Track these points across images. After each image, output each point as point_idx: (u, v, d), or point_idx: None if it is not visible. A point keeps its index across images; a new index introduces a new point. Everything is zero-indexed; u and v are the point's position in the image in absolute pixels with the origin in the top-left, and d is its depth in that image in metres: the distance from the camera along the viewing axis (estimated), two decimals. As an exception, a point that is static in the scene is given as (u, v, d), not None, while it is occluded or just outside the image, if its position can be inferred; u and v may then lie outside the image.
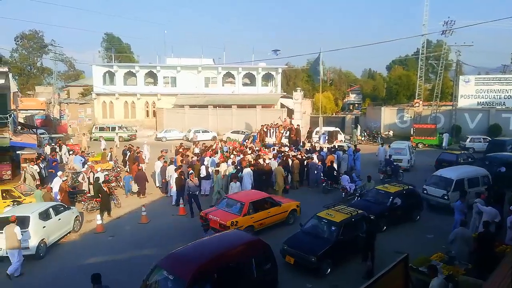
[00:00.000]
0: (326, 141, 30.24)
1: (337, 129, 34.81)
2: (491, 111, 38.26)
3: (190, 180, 15.62)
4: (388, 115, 42.54)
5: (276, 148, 24.30)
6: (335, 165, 20.24)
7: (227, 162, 18.97)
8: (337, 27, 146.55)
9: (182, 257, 7.81)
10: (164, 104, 45.07)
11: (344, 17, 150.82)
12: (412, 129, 35.32)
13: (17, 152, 20.09)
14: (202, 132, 36.99)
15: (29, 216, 11.44)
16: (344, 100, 71.80)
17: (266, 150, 23.92)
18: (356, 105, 69.78)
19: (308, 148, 24.88)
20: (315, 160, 19.97)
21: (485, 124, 37.81)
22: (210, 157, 20.50)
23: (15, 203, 14.01)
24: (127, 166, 21.68)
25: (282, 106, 45.02)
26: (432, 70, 55.92)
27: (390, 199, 13.75)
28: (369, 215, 12.20)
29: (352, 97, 70.98)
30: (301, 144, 26.68)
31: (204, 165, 18.66)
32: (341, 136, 33.05)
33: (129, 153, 22.74)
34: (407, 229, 13.60)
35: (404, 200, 13.89)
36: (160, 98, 46.11)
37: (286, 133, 28.08)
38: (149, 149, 25.60)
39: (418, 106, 39.63)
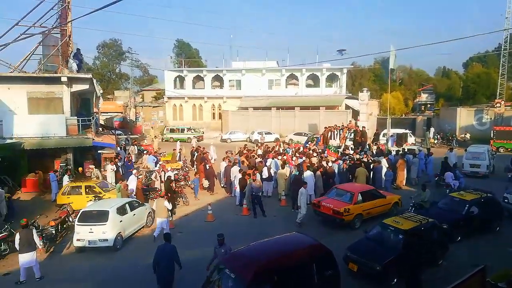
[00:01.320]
0: (395, 144, 28.81)
1: (407, 131, 32.99)
2: None
3: (253, 180, 15.91)
4: (464, 117, 39.26)
5: (340, 150, 23.75)
6: (404, 171, 19.26)
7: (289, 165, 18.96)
8: (408, 22, 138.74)
9: (244, 256, 7.90)
10: (229, 106, 46.39)
11: (416, 11, 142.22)
12: (492, 131, 32.18)
13: (99, 151, 22.05)
14: (265, 134, 37.38)
15: (108, 211, 12.50)
16: (415, 101, 67.84)
17: (331, 152, 23.48)
18: (429, 105, 65.47)
19: (374, 152, 23.95)
20: (384, 164, 19.09)
21: None
22: (273, 159, 20.66)
23: (96, 198, 15.45)
24: (195, 166, 22.69)
25: (347, 107, 43.83)
26: (516, 67, 50.53)
27: (466, 208, 12.71)
28: (441, 223, 11.45)
29: (424, 97, 66.75)
30: (367, 147, 25.73)
31: (266, 166, 18.88)
32: (411, 139, 31.26)
33: (196, 153, 23.82)
34: (485, 240, 12.47)
35: (482, 209, 12.77)
36: (225, 100, 47.55)
37: (350, 135, 27.25)
38: (215, 150, 26.53)
39: (500, 106, 36.03)
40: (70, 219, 14.02)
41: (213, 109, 48.85)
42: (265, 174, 18.06)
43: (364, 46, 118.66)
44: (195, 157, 23.74)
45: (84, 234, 12.10)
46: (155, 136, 36.66)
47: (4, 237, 11.96)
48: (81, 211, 12.85)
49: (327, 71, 47.62)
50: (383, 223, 10.99)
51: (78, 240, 12.17)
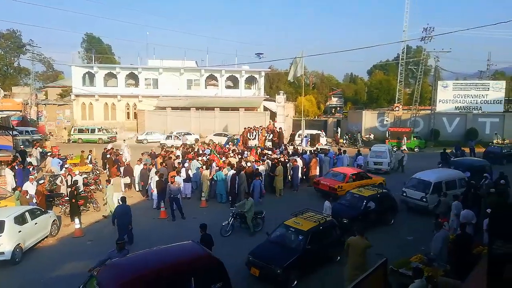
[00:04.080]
0: (308, 144, 30.45)
1: (320, 132, 35.12)
2: (468, 115, 39.39)
3: (171, 183, 15.45)
4: (369, 119, 43.24)
5: (259, 150, 24.31)
6: (317, 168, 20.48)
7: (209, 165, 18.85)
8: (320, 31, 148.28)
9: (117, 268, 7.42)
10: (145, 106, 44.50)
11: (328, 22, 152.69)
12: (387, 132, 36.09)
13: (-8, 154, 19.40)
14: (184, 134, 36.64)
15: (4, 221, 11.06)
16: (326, 104, 72.58)
17: (252, 152, 23.89)
18: (338, 108, 70.62)
19: (290, 151, 25.01)
20: (299, 163, 20.07)
21: (463, 128, 38.89)
22: (193, 159, 20.33)
23: (-11, 207, 13.51)
24: (107, 169, 21.23)
25: (265, 109, 45.13)
26: (411, 75, 57.19)
27: (364, 203, 13.80)
28: (342, 218, 12.19)
29: (334, 101, 71.77)
30: (283, 147, 26.78)
31: (184, 167, 18.51)
32: (323, 139, 33.32)
33: (108, 155, 22.30)
34: (386, 232, 13.76)
35: (378, 204, 13.98)
36: (141, 100, 45.51)
37: (269, 136, 28.11)
38: (129, 151, 25.15)
39: (398, 110, 40.44)
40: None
41: (128, 109, 46.36)
42: (183, 175, 17.67)
43: (281, 51, 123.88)
44: (107, 159, 22.20)
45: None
46: (51, 134, 33.52)
47: None
48: (-31, 222, 11.12)
49: (246, 73, 48.47)
50: (284, 225, 10.93)
51: (-34, 255, 10.53)
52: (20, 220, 11.63)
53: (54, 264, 11.08)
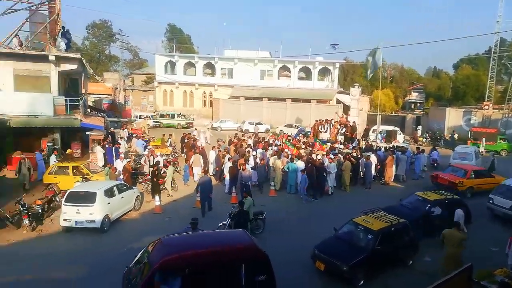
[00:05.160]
0: (384, 140, 29.09)
1: (397, 128, 33.33)
2: None
3: (242, 170, 15.90)
4: (453, 117, 39.84)
5: (329, 144, 23.88)
6: (393, 167, 19.52)
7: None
8: (401, 22, 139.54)
9: (164, 245, 7.63)
10: (220, 95, 46.07)
11: (409, 11, 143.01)
12: (469, 132, 32.93)
13: (87, 133, 21.66)
14: (256, 124, 37.31)
15: (96, 193, 12.33)
16: (405, 99, 68.56)
17: (322, 145, 23.57)
18: (418, 104, 66.29)
19: (363, 147, 24.16)
20: (373, 159, 19.30)
21: None
22: (262, 149, 20.67)
23: (83, 180, 15.21)
24: (185, 153, 22.53)
25: (338, 102, 44.00)
26: (505, 71, 51.46)
27: (427, 207, 12.80)
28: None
29: (414, 96, 67.55)
30: (357, 142, 25.93)
31: (253, 156, 18.97)
32: (400, 136, 31.59)
33: (186, 140, 23.63)
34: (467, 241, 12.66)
35: (446, 210, 12.74)
36: (217, 89, 47.18)
37: (341, 129, 27.39)
38: (205, 137, 26.36)
39: (488, 109, 36.67)
40: (57, 199, 13.81)
41: (204, 97, 48.43)
42: (251, 163, 18.06)
43: (357, 42, 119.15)
44: (184, 143, 23.56)
45: (71, 215, 11.95)
46: (147, 117, 36.75)
47: (-13, 214, 11.71)
48: (68, 191, 12.66)
49: (320, 65, 47.63)
50: (353, 222, 10.70)
51: (65, 220, 12.03)
52: (109, 193, 12.88)
53: (136, 236, 12.11)
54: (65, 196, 12.41)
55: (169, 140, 24.67)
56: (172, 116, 39.30)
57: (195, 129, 28.27)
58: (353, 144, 24.57)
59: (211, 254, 7.40)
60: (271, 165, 18.38)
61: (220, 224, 11.59)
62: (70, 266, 10.03)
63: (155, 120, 37.93)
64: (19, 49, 20.97)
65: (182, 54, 51.98)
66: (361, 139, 27.76)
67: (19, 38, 21.44)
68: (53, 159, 17.73)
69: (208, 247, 7.67)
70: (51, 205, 13.68)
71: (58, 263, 10.26)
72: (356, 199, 16.79)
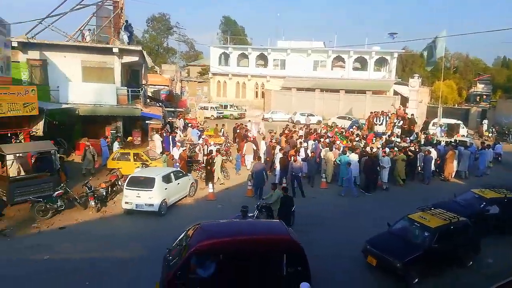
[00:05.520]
0: (445, 134, 27.41)
1: (459, 122, 31.22)
2: None
3: (294, 161, 15.88)
4: (524, 111, 36.43)
5: (385, 137, 23.00)
6: (454, 162, 18.37)
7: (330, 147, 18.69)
8: (466, 7, 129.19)
9: (202, 231, 7.87)
10: (272, 86, 46.11)
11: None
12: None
13: (146, 121, 22.85)
14: (308, 115, 36.92)
15: (155, 178, 13.01)
16: (469, 91, 63.85)
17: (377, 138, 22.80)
18: (485, 96, 61.43)
19: (423, 141, 22.98)
20: (433, 154, 18.31)
21: None
22: (314, 141, 20.44)
23: (143, 166, 16.12)
24: (237, 143, 22.97)
25: (396, 93, 42.12)
26: None
27: (482, 205, 11.90)
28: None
29: (480, 88, 62.68)
30: (415, 135, 24.69)
31: (304, 147, 18.84)
32: (463, 130, 29.58)
33: (238, 130, 24.08)
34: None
35: (504, 210, 11.81)
36: (269, 80, 47.27)
37: (398, 122, 26.22)
38: (257, 128, 26.63)
39: None
40: (119, 183, 14.79)
41: (256, 88, 48.79)
42: (302, 154, 17.94)
43: (417, 31, 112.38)
44: (236, 133, 24.02)
45: (132, 198, 12.75)
46: (203, 108, 38.09)
47: (60, 194, 12.84)
48: (129, 176, 13.51)
49: (376, 55, 45.84)
50: (408, 218, 10.32)
51: (126, 203, 12.86)
52: (166, 179, 13.52)
53: (190, 220, 12.40)
54: (126, 181, 13.26)
55: (222, 130, 25.27)
56: (225, 107, 40.15)
57: (249, 120, 28.60)
58: (411, 138, 23.43)
59: (246, 243, 7.58)
60: (322, 157, 18.16)
61: (249, 214, 11.52)
62: (131, 247, 10.72)
63: (219, 111, 38.85)
64: (86, 42, 22.54)
65: (235, 46, 52.63)
66: (419, 133, 26.37)
67: (87, 31, 23.04)
68: (116, 145, 18.99)
69: (244, 235, 7.87)
70: (114, 189, 14.70)
71: (120, 243, 11.02)
72: (411, 194, 16.09)
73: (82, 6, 23.00)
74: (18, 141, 15.82)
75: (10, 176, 13.25)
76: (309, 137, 22.02)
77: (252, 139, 21.05)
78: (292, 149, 18.24)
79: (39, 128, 16.30)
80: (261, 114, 41.68)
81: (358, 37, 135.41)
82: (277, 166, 17.12)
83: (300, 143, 20.18)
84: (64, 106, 20.13)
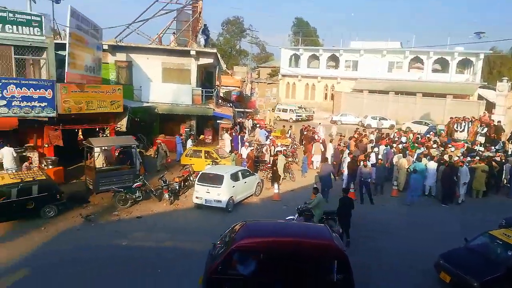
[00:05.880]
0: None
1: (557, 131, 27.59)
2: None
3: (363, 166, 15.37)
4: None
5: (466, 145, 21.21)
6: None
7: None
8: None
9: (246, 229, 7.95)
10: (343, 87, 45.04)
11: None
12: None
13: (217, 121, 23.81)
14: (380, 119, 35.41)
15: (223, 175, 13.52)
16: None
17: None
18: None
19: (510, 151, 20.79)
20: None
21: None
22: (386, 146, 19.56)
23: (213, 163, 16.83)
24: (303, 145, 22.88)
25: (480, 97, 38.56)
26: None
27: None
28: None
29: None
30: (501, 144, 22.40)
31: (375, 152, 18.10)
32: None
33: (305, 132, 23.95)
34: None
35: None
36: (339, 81, 46.25)
37: (482, 129, 23.99)
38: (324, 130, 26.25)
39: None
40: (191, 178, 15.62)
41: (326, 90, 48.04)
42: (372, 160, 17.26)
43: (509, 29, 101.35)
44: (303, 135, 23.91)
45: (202, 193, 13.39)
46: (272, 109, 38.21)
47: (139, 186, 13.95)
48: (200, 172, 14.21)
49: (459, 56, 42.38)
50: (489, 235, 9.43)
51: (196, 197, 13.55)
52: (234, 177, 13.95)
53: (256, 219, 12.87)
54: (197, 177, 13.97)
55: (289, 131, 25.34)
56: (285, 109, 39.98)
57: (320, 123, 28.24)
58: (496, 147, 21.31)
59: (288, 245, 7.51)
60: (394, 164, 17.32)
61: (287, 218, 11.29)
62: (199, 240, 11.22)
63: (297, 114, 38.34)
64: (167, 45, 24.14)
65: (306, 47, 52.36)
66: (507, 142, 23.86)
67: (172, 35, 24.66)
68: (189, 143, 20.11)
69: (287, 237, 7.84)
70: (186, 183, 15.57)
71: (190, 235, 11.64)
72: (490, 209, 14.64)
73: (165, 11, 24.71)
74: (104, 135, 17.51)
75: (96, 167, 14.71)
76: (381, 142, 21.13)
77: (320, 141, 20.83)
78: (362, 153, 17.67)
79: (123, 124, 17.90)
80: (329, 116, 40.94)
81: (438, 37, 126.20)
82: (345, 170, 16.69)
83: (371, 147, 19.47)
84: (145, 104, 21.83)
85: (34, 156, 14.64)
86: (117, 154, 16.61)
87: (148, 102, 22.21)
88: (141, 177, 14.60)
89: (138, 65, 23.09)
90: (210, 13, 67.12)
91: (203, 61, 23.92)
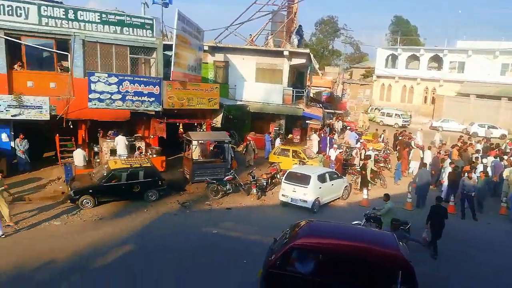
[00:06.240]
0: None
1: None
2: None
3: (468, 178, 13.92)
4: None
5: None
6: None
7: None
8: None
9: (308, 226, 8.08)
10: (445, 91, 41.25)
11: None
12: None
13: (306, 121, 23.78)
14: (488, 127, 31.65)
15: (311, 176, 13.47)
16: None
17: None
18: None
19: None
20: None
21: None
22: (495, 157, 17.45)
23: (300, 163, 16.87)
24: (397, 150, 21.59)
25: None
26: None
27: None
28: None
29: None
30: None
31: (483, 163, 16.25)
32: None
33: (400, 137, 22.56)
34: None
35: None
36: (442, 84, 42.42)
37: None
38: (422, 136, 24.41)
39: None
40: (278, 176, 15.91)
41: (426, 93, 44.46)
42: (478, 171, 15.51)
43: None
44: (398, 141, 22.54)
45: (288, 192, 13.56)
46: (366, 112, 36.65)
47: (229, 179, 14.69)
48: (288, 171, 14.41)
49: None
50: None
51: (283, 195, 13.76)
52: (321, 178, 13.83)
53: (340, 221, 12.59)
54: (285, 175, 14.17)
55: (382, 135, 24.12)
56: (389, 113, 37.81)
57: (421, 129, 26.18)
58: None
59: (349, 249, 7.36)
60: (505, 178, 15.35)
61: (353, 223, 10.77)
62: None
63: (405, 119, 36.18)
64: (262, 46, 24.86)
65: (406, 47, 49.06)
66: None
67: (271, 38, 25.35)
68: (278, 141, 20.46)
69: (349, 241, 7.66)
70: (273, 181, 15.90)
71: (274, 231, 11.81)
72: None
73: (263, 13, 25.48)
74: (201, 130, 18.76)
75: (194, 158, 15.85)
76: (489, 153, 18.96)
77: (418, 147, 19.50)
78: (467, 164, 16.05)
79: (218, 121, 18.98)
80: (429, 121, 37.88)
81: None
82: (445, 181, 15.35)
83: (477, 158, 17.56)
84: (238, 102, 22.79)
85: (142, 145, 16.34)
86: (211, 148, 17.66)
87: (241, 101, 23.15)
88: (232, 171, 15.33)
89: (234, 65, 24.18)
90: (304, 14, 67.13)
91: (296, 61, 24.04)
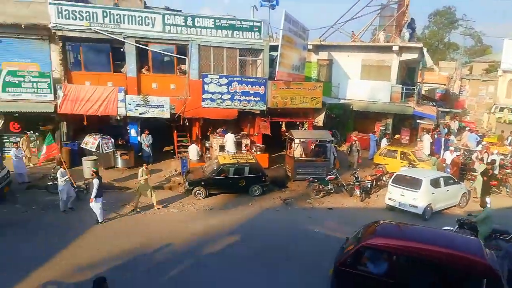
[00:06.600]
0: None
1: None
2: None
3: None
4: None
5: None
6: None
7: None
8: None
9: (380, 227, 8.01)
10: None
11: None
12: None
13: (417, 121, 22.02)
14: None
15: (422, 180, 12.47)
16: None
17: None
18: None
19: None
20: None
21: None
22: None
23: (410, 165, 15.72)
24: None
25: None
26: None
27: None
28: None
29: None
30: None
31: None
32: None
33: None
34: None
35: None
36: None
37: None
38: None
39: None
40: (384, 179, 15.13)
41: None
42: None
43: None
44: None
45: (396, 196, 12.78)
46: (491, 112, 32.25)
47: (331, 179, 14.47)
48: (395, 173, 13.60)
49: None
50: None
51: (389, 199, 13.04)
52: (435, 183, 12.73)
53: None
54: (392, 178, 13.38)
55: (509, 138, 21.02)
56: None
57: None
58: None
59: (427, 252, 6.95)
60: None
61: (444, 228, 9.95)
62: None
63: None
64: (369, 42, 23.82)
65: (542, 36, 41.90)
66: None
67: (382, 35, 24.18)
68: (384, 142, 19.40)
69: (428, 244, 7.23)
70: (378, 183, 15.16)
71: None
72: None
73: (372, 10, 24.39)
74: (303, 128, 18.85)
75: (295, 157, 16.02)
76: None
77: None
78: None
79: (320, 119, 18.84)
80: None
81: None
82: None
83: None
84: (341, 101, 22.26)
85: (247, 142, 17.13)
86: (313, 146, 17.62)
87: (344, 99, 22.55)
88: (334, 170, 15.08)
89: (338, 62, 23.64)
90: (416, 5, 62.13)
91: (406, 56, 22.41)
